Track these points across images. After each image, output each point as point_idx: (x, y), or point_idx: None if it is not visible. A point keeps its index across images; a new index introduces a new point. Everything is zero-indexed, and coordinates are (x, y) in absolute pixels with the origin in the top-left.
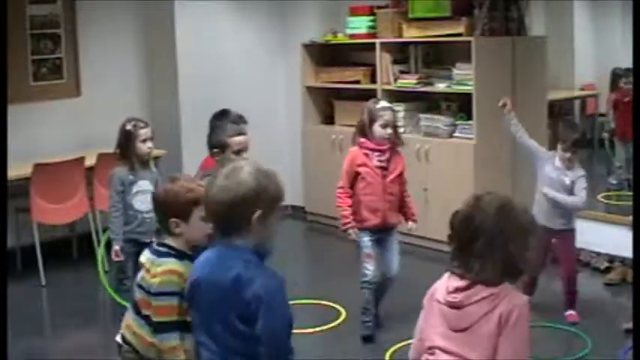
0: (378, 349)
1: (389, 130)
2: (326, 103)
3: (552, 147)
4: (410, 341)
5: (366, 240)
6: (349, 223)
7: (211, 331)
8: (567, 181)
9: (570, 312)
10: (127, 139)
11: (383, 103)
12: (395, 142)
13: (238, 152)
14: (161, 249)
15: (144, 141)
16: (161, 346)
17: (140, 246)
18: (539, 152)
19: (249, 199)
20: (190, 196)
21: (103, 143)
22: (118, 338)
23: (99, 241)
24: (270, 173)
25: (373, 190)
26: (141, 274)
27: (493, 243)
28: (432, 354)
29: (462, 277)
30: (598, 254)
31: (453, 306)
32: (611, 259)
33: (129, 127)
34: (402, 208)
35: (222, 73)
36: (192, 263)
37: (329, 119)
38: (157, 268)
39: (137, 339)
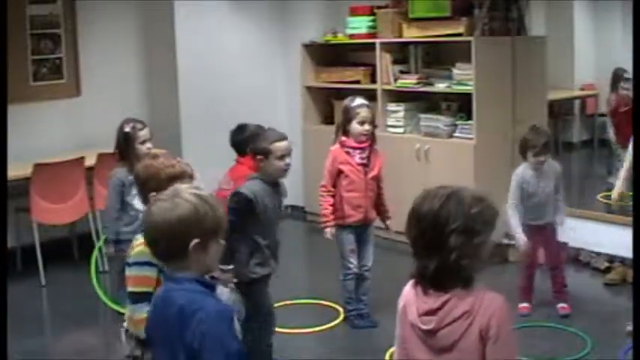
0: (378, 349)
1: (367, 127)
2: (326, 103)
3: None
4: None
5: (350, 237)
6: (329, 222)
7: None
8: (550, 185)
9: (562, 304)
10: (125, 141)
11: (359, 100)
12: (372, 138)
13: (282, 157)
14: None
15: (143, 142)
16: (132, 317)
17: None
18: (514, 194)
19: (185, 227)
20: (170, 171)
21: (103, 143)
22: (122, 333)
23: (99, 241)
24: (211, 200)
25: (355, 187)
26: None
27: (438, 238)
28: None
29: (424, 291)
30: (598, 254)
31: (428, 332)
32: (611, 259)
33: (127, 128)
34: (379, 206)
35: (222, 73)
36: None
37: (329, 119)
38: (136, 242)
39: (128, 320)
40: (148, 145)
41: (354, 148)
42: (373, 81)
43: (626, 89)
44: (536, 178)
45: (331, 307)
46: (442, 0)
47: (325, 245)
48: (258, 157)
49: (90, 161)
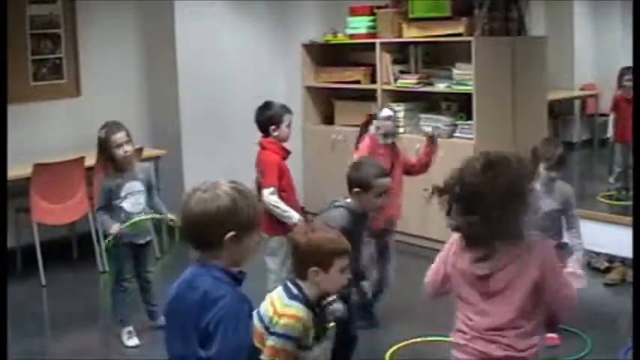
0: (378, 349)
1: (389, 141)
2: (326, 103)
3: None
4: (409, 341)
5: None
6: None
7: (174, 354)
8: (556, 205)
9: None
10: (102, 146)
11: (387, 112)
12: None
13: (380, 194)
14: (293, 289)
15: (118, 146)
16: None
17: (136, 248)
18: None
19: (223, 218)
20: (332, 247)
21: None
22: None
23: (99, 241)
24: (249, 195)
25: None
26: (265, 304)
27: (484, 202)
28: (468, 319)
29: (472, 243)
30: (598, 254)
31: (482, 277)
32: (611, 259)
33: (101, 134)
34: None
35: (222, 73)
36: (313, 315)
37: (329, 119)
38: (284, 308)
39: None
40: (126, 147)
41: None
42: (373, 81)
43: (629, 80)
44: (542, 192)
45: None
46: (442, 0)
47: None
48: (356, 189)
49: (90, 161)
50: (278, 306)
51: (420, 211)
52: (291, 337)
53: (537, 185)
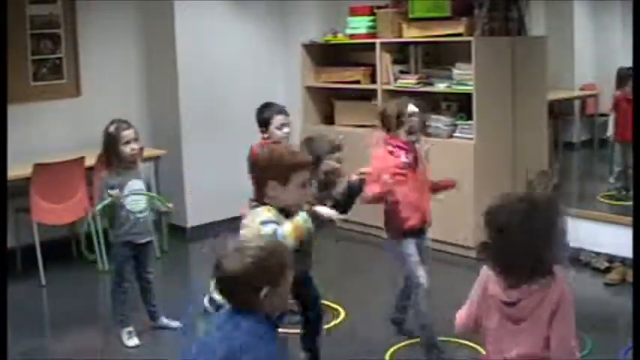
0: (378, 349)
1: (413, 138)
2: (326, 103)
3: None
4: (409, 341)
5: (410, 246)
6: None
7: None
8: None
9: None
10: (109, 142)
11: (412, 107)
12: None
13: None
14: (261, 215)
15: (127, 143)
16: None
17: (136, 248)
18: None
19: (254, 277)
20: (291, 159)
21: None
22: (206, 302)
23: (99, 241)
24: (277, 249)
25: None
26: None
27: (521, 242)
28: (498, 351)
29: (504, 277)
30: (598, 254)
31: (509, 303)
32: (611, 259)
33: (111, 129)
34: None
35: (222, 73)
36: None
37: (329, 119)
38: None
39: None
40: (133, 145)
41: (400, 148)
42: (373, 81)
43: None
44: None
45: (331, 307)
46: (442, 0)
47: (325, 245)
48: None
49: (90, 161)
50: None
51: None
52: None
53: None
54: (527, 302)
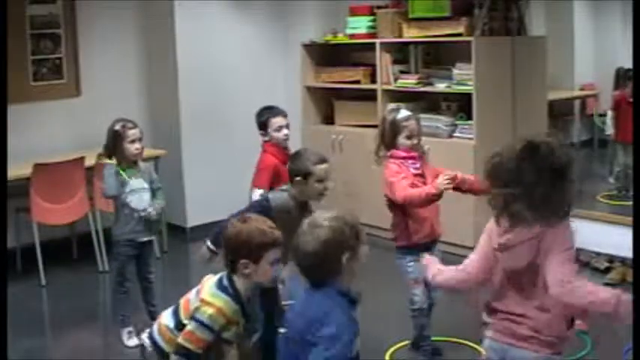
0: (378, 349)
1: (415, 141)
2: (326, 103)
3: None
4: (409, 341)
5: (411, 263)
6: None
7: None
8: None
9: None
10: (114, 140)
11: (405, 112)
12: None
13: (321, 180)
14: (224, 280)
15: (132, 142)
16: None
17: (138, 246)
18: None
19: (333, 250)
20: (262, 239)
21: (103, 143)
22: (145, 337)
23: (99, 241)
24: (349, 221)
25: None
26: (198, 287)
27: (522, 185)
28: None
29: (502, 221)
30: (598, 254)
31: (504, 248)
32: (611, 259)
33: (117, 127)
34: None
35: (222, 73)
36: (240, 311)
37: (329, 119)
38: (211, 298)
39: (170, 345)
40: (137, 145)
41: (406, 159)
42: (373, 81)
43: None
44: None
45: None
46: (442, 0)
47: None
48: (297, 178)
49: (90, 161)
50: (206, 294)
51: None
52: (211, 329)
53: None
54: (520, 249)
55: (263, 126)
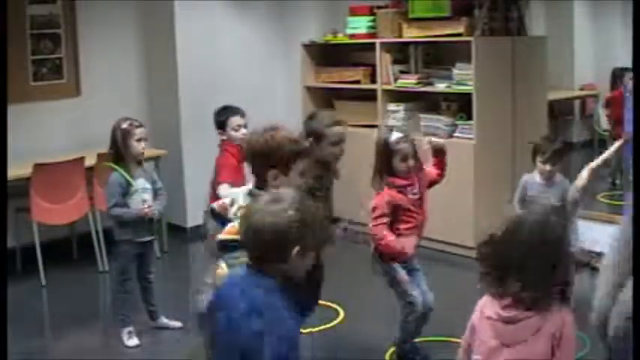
0: (377, 349)
1: (411, 163)
2: (326, 103)
3: None
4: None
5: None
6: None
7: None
8: (552, 199)
9: None
10: (122, 138)
11: (397, 135)
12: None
13: (336, 143)
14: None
15: (139, 140)
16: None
17: (140, 246)
18: (517, 194)
19: (291, 234)
20: (292, 146)
21: (103, 143)
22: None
23: (99, 241)
24: (314, 210)
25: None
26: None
27: (529, 265)
28: None
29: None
30: (598, 254)
31: (508, 321)
32: None
33: (125, 125)
34: None
35: (222, 73)
36: None
37: None
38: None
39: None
40: (143, 144)
41: (405, 187)
42: (373, 81)
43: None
44: (542, 185)
45: (330, 307)
46: (442, 0)
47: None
48: (309, 139)
49: (90, 161)
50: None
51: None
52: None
53: (537, 178)
54: (527, 322)
55: (222, 125)
